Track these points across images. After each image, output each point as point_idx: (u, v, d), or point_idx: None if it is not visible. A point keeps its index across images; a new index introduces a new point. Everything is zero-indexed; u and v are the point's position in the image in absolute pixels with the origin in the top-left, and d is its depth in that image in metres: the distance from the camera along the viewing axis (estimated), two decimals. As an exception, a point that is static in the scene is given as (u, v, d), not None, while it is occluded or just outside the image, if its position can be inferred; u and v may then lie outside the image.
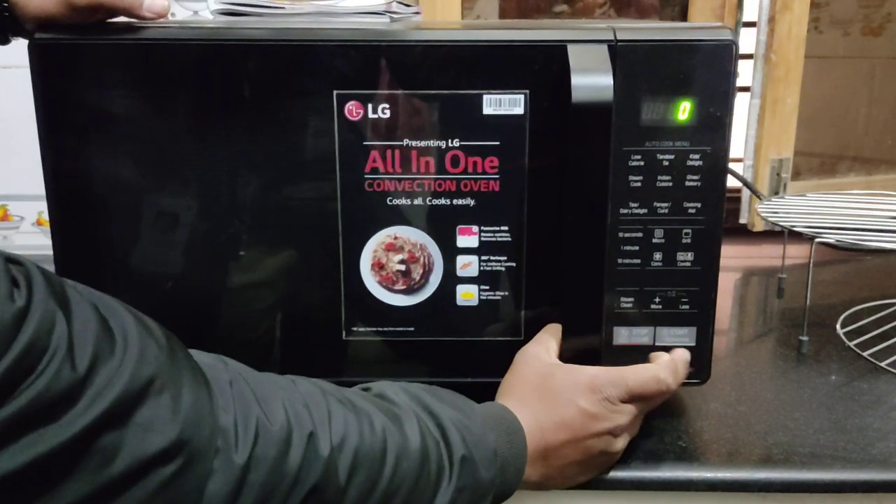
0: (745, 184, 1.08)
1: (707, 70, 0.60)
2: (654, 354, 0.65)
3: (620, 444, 0.61)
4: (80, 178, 0.63)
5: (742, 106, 0.90)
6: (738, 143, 1.20)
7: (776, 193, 1.28)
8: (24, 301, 0.38)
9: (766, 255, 1.26)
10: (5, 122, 1.12)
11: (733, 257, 1.24)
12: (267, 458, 0.45)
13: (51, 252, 0.64)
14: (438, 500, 0.51)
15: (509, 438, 0.56)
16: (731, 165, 0.65)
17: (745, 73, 1.26)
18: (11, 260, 0.40)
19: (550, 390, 0.59)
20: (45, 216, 1.13)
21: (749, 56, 1.25)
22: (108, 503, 0.40)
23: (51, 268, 0.64)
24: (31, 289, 0.39)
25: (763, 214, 0.92)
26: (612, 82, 0.58)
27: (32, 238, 1.18)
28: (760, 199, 0.99)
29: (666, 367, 0.62)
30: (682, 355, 0.64)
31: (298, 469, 0.46)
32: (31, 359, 0.37)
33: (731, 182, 0.68)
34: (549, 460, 0.58)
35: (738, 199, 1.31)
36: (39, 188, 0.63)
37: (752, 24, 1.27)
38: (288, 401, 0.48)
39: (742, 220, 1.32)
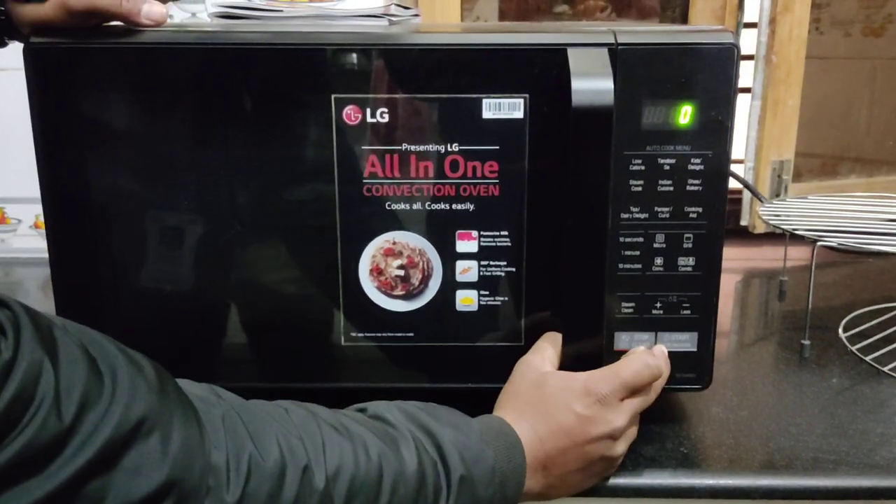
0: (747, 186, 1.07)
1: (708, 74, 0.60)
2: (630, 351, 0.64)
3: (621, 448, 0.60)
4: (75, 183, 0.62)
5: (743, 107, 0.90)
6: (739, 144, 1.20)
7: (777, 195, 1.28)
8: (11, 353, 0.37)
9: (767, 257, 1.26)
10: (2, 124, 1.11)
11: (734, 259, 1.23)
12: (260, 495, 0.44)
13: (48, 255, 0.64)
14: None
15: (508, 453, 0.55)
16: (732, 167, 0.65)
17: (746, 74, 1.26)
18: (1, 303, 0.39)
19: (545, 398, 0.58)
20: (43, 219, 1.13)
21: (750, 57, 1.25)
22: None
23: (46, 271, 0.64)
24: (19, 338, 0.38)
25: (764, 217, 0.92)
26: (612, 86, 0.58)
27: (30, 241, 1.18)
28: (762, 201, 0.98)
29: (651, 353, 0.62)
30: (657, 348, 0.64)
31: None
32: (16, 412, 0.37)
33: (732, 184, 0.68)
34: (550, 469, 0.57)
35: (739, 201, 1.31)
36: (37, 191, 0.62)
37: (752, 26, 1.27)
38: (282, 434, 0.48)
39: (743, 222, 1.32)
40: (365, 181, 0.62)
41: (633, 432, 0.61)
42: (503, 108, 0.61)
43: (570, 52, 0.59)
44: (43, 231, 1.16)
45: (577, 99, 0.57)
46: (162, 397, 0.43)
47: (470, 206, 0.63)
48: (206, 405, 0.46)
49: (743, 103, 0.90)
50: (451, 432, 0.54)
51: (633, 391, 0.60)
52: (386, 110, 0.61)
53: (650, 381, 0.61)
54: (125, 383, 0.42)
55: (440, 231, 0.64)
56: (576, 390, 0.58)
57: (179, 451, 0.42)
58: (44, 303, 1.04)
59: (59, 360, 0.39)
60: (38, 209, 1.18)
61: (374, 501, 0.49)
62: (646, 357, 0.61)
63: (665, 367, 0.62)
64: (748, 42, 1.25)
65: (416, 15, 0.77)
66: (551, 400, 0.58)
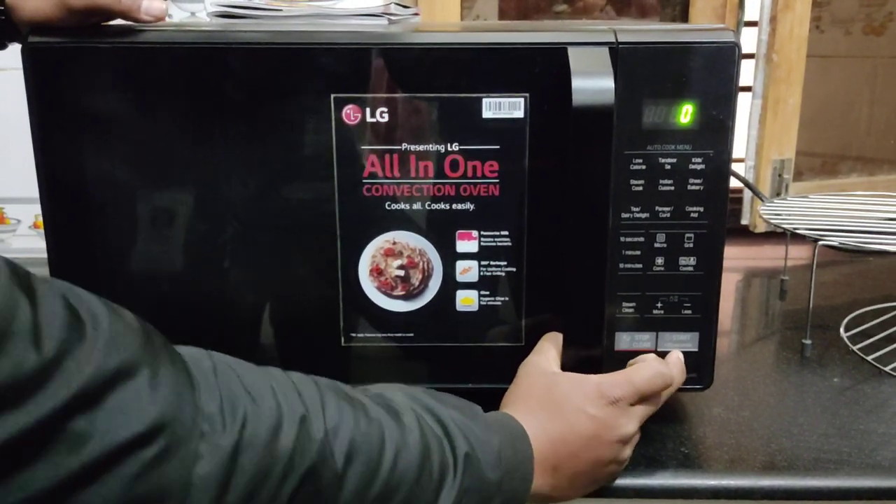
0: (747, 185, 1.07)
1: (709, 73, 0.60)
2: (639, 357, 0.63)
3: (628, 451, 0.60)
4: (74, 182, 0.62)
5: (743, 106, 0.89)
6: (740, 143, 1.19)
7: (778, 194, 1.27)
8: None
9: (767, 256, 1.25)
10: (1, 124, 1.11)
11: (735, 258, 1.23)
12: (257, 442, 0.44)
13: (47, 255, 0.64)
14: (443, 499, 0.50)
15: (514, 443, 0.55)
16: (733, 166, 0.64)
17: (747, 72, 1.25)
18: None
19: (557, 400, 0.58)
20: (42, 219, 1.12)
21: (750, 56, 1.24)
22: (84, 488, 0.39)
23: (46, 271, 0.64)
24: None
25: (765, 216, 0.91)
26: (613, 85, 0.57)
27: (29, 241, 1.18)
28: (763, 200, 0.98)
29: (664, 362, 0.62)
30: (673, 356, 0.64)
31: (291, 452, 0.45)
32: None
33: (733, 183, 0.68)
34: (560, 470, 0.56)
35: (740, 200, 1.31)
36: (36, 191, 0.62)
37: (753, 24, 1.27)
38: (278, 386, 0.47)
39: (744, 221, 1.32)
40: (365, 181, 0.62)
41: (637, 436, 0.61)
42: (503, 107, 0.60)
43: (571, 51, 0.59)
44: (42, 231, 1.16)
45: (577, 98, 0.57)
46: (148, 345, 0.43)
47: (470, 206, 0.63)
48: (196, 359, 0.46)
49: (743, 102, 0.90)
50: (456, 414, 0.53)
51: (644, 398, 0.59)
52: (386, 110, 0.61)
53: (662, 389, 0.60)
54: (106, 328, 0.41)
55: (440, 231, 0.63)
56: (589, 393, 0.58)
57: (168, 394, 0.42)
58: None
59: (37, 302, 0.39)
60: (38, 209, 1.17)
61: (376, 464, 0.48)
62: (659, 365, 0.61)
63: (678, 375, 0.62)
64: (749, 40, 1.25)
65: (416, 14, 0.77)
66: (563, 401, 0.58)
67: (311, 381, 0.50)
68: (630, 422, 0.58)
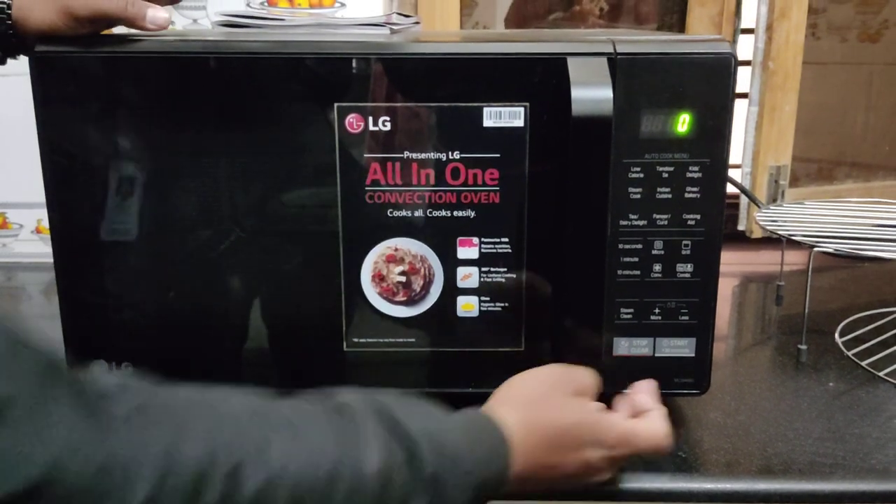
0: (744, 191, 1.08)
1: (706, 83, 0.61)
2: (651, 414, 0.59)
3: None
4: (80, 188, 0.63)
5: (740, 113, 0.90)
6: (737, 149, 1.20)
7: (774, 200, 1.28)
8: None
9: (764, 261, 1.26)
10: (4, 129, 1.12)
11: (731, 264, 1.24)
12: (174, 497, 0.39)
13: (50, 259, 0.64)
14: None
15: (489, 455, 0.51)
16: (729, 172, 0.65)
17: (743, 80, 1.26)
18: None
19: (566, 430, 0.55)
20: (45, 224, 1.13)
21: (747, 63, 1.26)
22: None
23: (48, 275, 0.65)
24: None
25: (761, 223, 0.92)
26: (611, 95, 0.58)
27: (31, 246, 1.18)
28: (759, 206, 0.99)
29: (665, 421, 0.59)
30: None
31: None
32: None
33: (730, 189, 0.69)
34: (526, 482, 0.54)
35: (737, 206, 1.32)
36: (39, 196, 0.63)
37: (749, 32, 1.28)
38: (210, 428, 0.42)
39: (740, 227, 1.33)
40: (367, 188, 0.63)
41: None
42: (504, 116, 0.61)
43: (570, 61, 0.60)
44: (45, 236, 1.17)
45: (576, 108, 0.58)
46: (42, 384, 0.38)
47: (471, 213, 0.64)
48: (114, 396, 0.41)
49: (740, 109, 0.91)
50: (425, 428, 0.49)
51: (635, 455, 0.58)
52: (388, 118, 0.62)
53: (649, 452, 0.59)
54: None
55: (441, 238, 0.64)
56: (600, 439, 0.56)
57: (62, 445, 0.37)
58: (46, 308, 1.05)
59: None
60: (40, 214, 1.19)
61: None
62: (666, 439, 0.58)
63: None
64: (745, 48, 1.26)
65: (417, 22, 0.78)
66: (568, 434, 0.55)
67: (256, 416, 0.45)
68: (605, 475, 0.58)
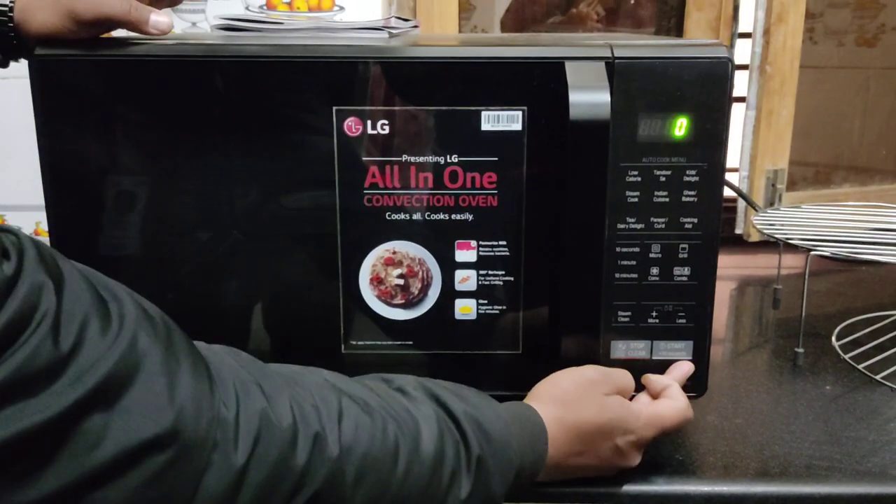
0: (741, 195, 1.08)
1: (703, 87, 0.61)
2: (671, 392, 0.64)
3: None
4: (79, 191, 0.63)
5: (737, 117, 0.91)
6: (734, 153, 1.21)
7: (771, 204, 1.29)
8: (13, 271, 0.37)
9: (761, 264, 1.27)
10: (3, 132, 1.12)
11: (729, 267, 1.24)
12: (269, 457, 0.43)
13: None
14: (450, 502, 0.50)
15: (532, 447, 0.55)
16: (727, 176, 0.66)
17: (741, 84, 1.27)
18: (4, 230, 0.39)
19: (599, 431, 0.59)
20: (43, 226, 1.13)
21: (744, 67, 1.26)
22: (97, 490, 0.38)
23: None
24: (22, 260, 0.38)
25: (759, 226, 0.93)
26: (609, 99, 0.59)
27: (30, 248, 1.18)
28: (756, 210, 1.00)
29: (685, 399, 0.63)
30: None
31: (302, 472, 0.44)
32: (14, 330, 0.36)
33: (727, 192, 0.69)
34: (556, 473, 0.58)
35: (734, 209, 1.32)
36: (37, 198, 0.63)
37: (747, 36, 1.28)
38: (296, 399, 0.47)
39: (738, 231, 1.33)
40: (365, 191, 0.63)
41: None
42: (502, 120, 0.62)
43: (568, 65, 0.60)
44: (43, 238, 1.17)
45: (574, 112, 0.58)
46: (168, 345, 0.43)
47: (469, 217, 0.64)
48: (219, 363, 0.46)
49: (737, 113, 0.92)
50: (475, 413, 0.53)
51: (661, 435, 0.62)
52: (386, 122, 0.62)
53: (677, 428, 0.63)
54: (130, 324, 0.41)
55: (439, 241, 0.64)
56: (630, 427, 0.60)
57: (186, 399, 0.41)
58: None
59: (63, 290, 0.39)
60: (39, 217, 1.19)
61: (386, 480, 0.48)
62: (688, 410, 0.63)
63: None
64: (743, 52, 1.26)
65: (416, 26, 0.78)
66: (603, 428, 0.59)
67: (331, 388, 0.50)
68: (637, 458, 0.62)
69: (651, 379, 0.65)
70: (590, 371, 0.61)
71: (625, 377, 0.63)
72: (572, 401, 0.59)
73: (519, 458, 0.54)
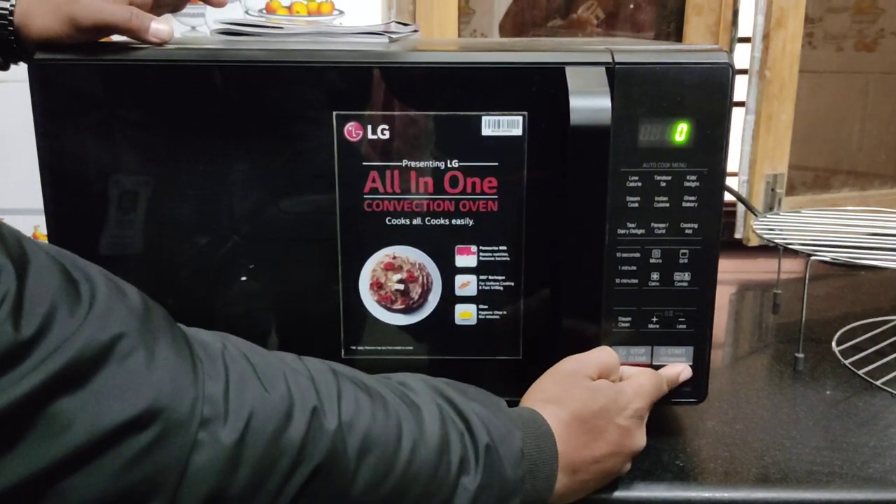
0: (741, 200, 1.08)
1: (704, 92, 0.61)
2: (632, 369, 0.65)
3: (628, 465, 0.61)
4: (78, 196, 0.63)
5: (737, 121, 0.91)
6: (733, 158, 1.21)
7: (771, 209, 1.29)
8: None
9: (760, 269, 1.27)
10: (2, 136, 1.12)
11: (728, 272, 1.24)
12: (264, 432, 0.42)
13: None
14: (460, 493, 0.49)
15: (538, 441, 0.54)
16: (726, 180, 0.66)
17: (740, 88, 1.27)
18: None
19: (592, 407, 0.58)
20: (42, 230, 1.13)
21: (744, 72, 1.26)
22: (68, 476, 0.37)
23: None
24: None
25: (758, 231, 0.93)
26: (610, 105, 0.59)
27: (28, 252, 1.18)
28: (756, 215, 1.00)
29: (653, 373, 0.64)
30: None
31: (301, 445, 0.43)
32: None
33: (726, 197, 0.69)
34: (578, 474, 0.56)
35: (734, 214, 1.32)
36: (35, 202, 0.63)
37: (746, 41, 1.28)
38: (291, 373, 0.46)
39: (737, 235, 1.33)
40: (365, 196, 0.63)
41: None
42: (502, 125, 0.62)
43: (569, 70, 0.60)
44: (42, 242, 1.17)
45: (575, 117, 0.58)
46: (145, 322, 0.41)
47: (469, 222, 0.64)
48: (204, 342, 0.45)
49: (737, 117, 0.91)
50: (478, 406, 0.52)
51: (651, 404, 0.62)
52: (387, 127, 0.62)
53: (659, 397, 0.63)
54: (102, 304, 0.40)
55: (440, 246, 0.64)
56: (622, 404, 0.59)
57: (165, 376, 0.40)
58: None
59: (27, 272, 0.38)
60: (37, 220, 1.19)
61: (390, 461, 0.47)
62: (657, 375, 0.63)
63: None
64: (742, 57, 1.27)
65: (416, 31, 0.78)
66: (598, 410, 0.58)
67: (329, 370, 0.49)
68: (643, 436, 0.60)
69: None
70: (567, 364, 0.61)
71: (602, 353, 0.62)
72: (560, 397, 0.58)
73: (528, 452, 0.53)
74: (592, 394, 0.58)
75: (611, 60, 0.61)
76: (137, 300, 0.43)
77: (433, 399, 0.52)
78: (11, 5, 0.59)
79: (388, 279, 0.65)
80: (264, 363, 0.46)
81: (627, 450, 0.59)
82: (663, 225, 0.63)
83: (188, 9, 1.09)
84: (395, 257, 0.64)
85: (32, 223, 1.17)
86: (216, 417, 0.41)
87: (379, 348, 0.66)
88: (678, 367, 0.66)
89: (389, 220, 0.64)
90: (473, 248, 0.64)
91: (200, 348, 0.44)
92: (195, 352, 0.43)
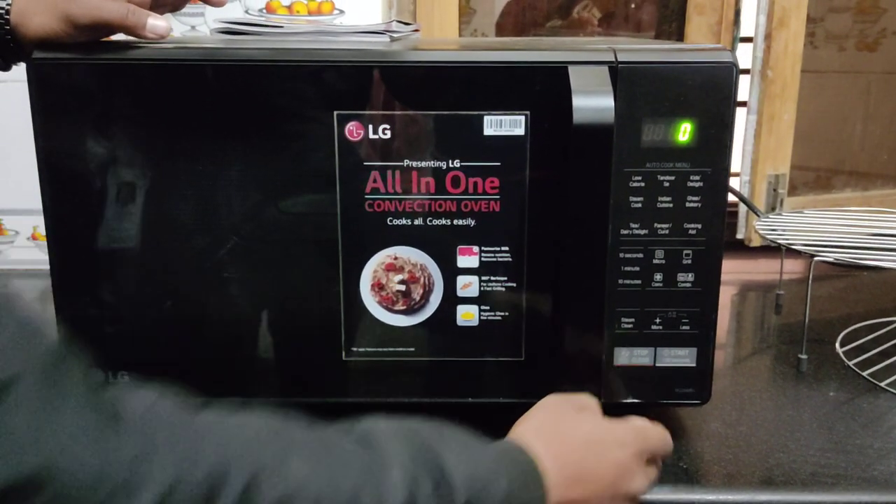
0: (743, 200, 1.08)
1: (707, 92, 0.60)
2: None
3: None
4: (78, 197, 0.62)
5: (739, 121, 0.90)
6: (735, 158, 1.20)
7: (773, 209, 1.28)
8: None
9: (763, 270, 1.26)
10: (1, 136, 1.11)
11: (731, 272, 1.23)
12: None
13: (46, 266, 0.64)
14: None
15: (527, 484, 0.49)
16: (729, 181, 0.65)
17: (742, 88, 1.26)
18: None
19: (587, 445, 0.53)
20: (41, 230, 1.12)
21: (746, 72, 1.26)
22: None
23: (44, 282, 0.64)
24: None
25: (761, 231, 0.92)
26: (613, 104, 0.58)
27: (27, 252, 1.18)
28: (758, 215, 0.99)
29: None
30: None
31: None
32: None
33: (729, 197, 0.68)
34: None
35: (736, 214, 1.31)
36: (35, 202, 0.62)
37: (748, 40, 1.28)
38: (228, 439, 0.41)
39: (739, 236, 1.32)
40: (367, 197, 0.63)
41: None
42: (504, 124, 0.61)
43: (572, 69, 0.60)
44: (41, 243, 1.16)
45: (577, 116, 0.58)
46: (53, 376, 0.37)
47: (471, 222, 0.63)
48: (129, 398, 0.40)
49: (739, 117, 0.91)
50: (458, 453, 0.47)
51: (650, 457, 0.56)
52: (388, 126, 0.61)
53: (661, 448, 0.57)
54: (2, 336, 0.36)
55: (441, 246, 0.64)
56: (619, 436, 0.54)
57: (66, 439, 0.35)
58: (42, 314, 1.04)
59: None
60: (36, 220, 1.18)
61: None
62: (658, 428, 0.57)
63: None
64: (744, 57, 1.26)
65: (416, 30, 0.78)
66: (590, 441, 0.53)
67: (275, 432, 0.44)
68: (641, 479, 0.55)
69: None
70: (549, 399, 0.57)
71: (587, 398, 0.58)
72: (545, 429, 0.54)
73: (513, 494, 0.48)
74: (578, 421, 0.55)
75: (614, 59, 0.60)
76: (51, 353, 0.38)
77: (400, 455, 0.45)
78: (7, 4, 0.58)
79: (390, 280, 0.64)
80: (201, 427, 0.41)
81: (625, 493, 0.54)
82: (666, 225, 0.63)
83: (188, 8, 1.08)
84: (396, 258, 0.64)
85: (31, 223, 1.17)
86: (128, 488, 0.36)
87: (380, 349, 0.66)
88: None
89: (391, 221, 0.63)
90: (475, 248, 0.64)
91: (123, 407, 0.39)
92: (116, 411, 0.38)
